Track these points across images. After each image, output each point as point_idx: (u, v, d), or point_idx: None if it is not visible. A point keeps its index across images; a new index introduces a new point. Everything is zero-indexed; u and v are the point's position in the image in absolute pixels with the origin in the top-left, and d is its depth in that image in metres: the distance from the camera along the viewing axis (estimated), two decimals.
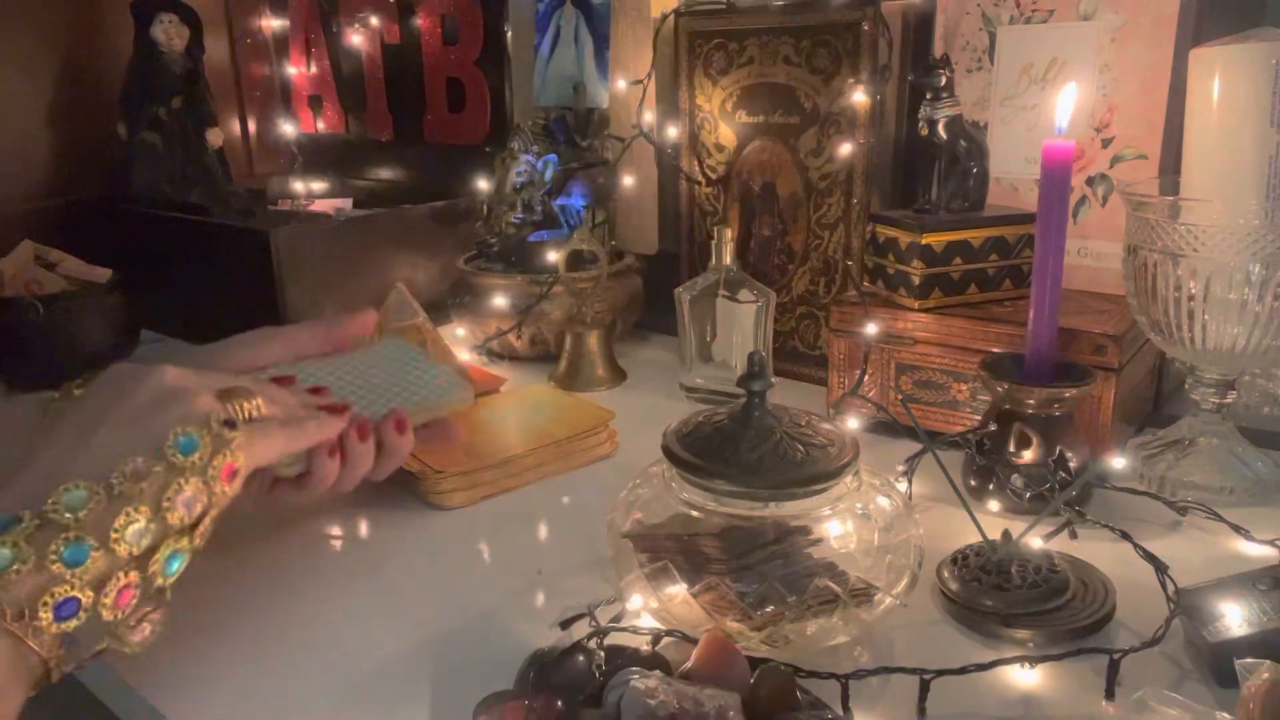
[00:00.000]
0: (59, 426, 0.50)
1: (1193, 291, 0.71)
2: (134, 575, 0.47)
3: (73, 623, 0.44)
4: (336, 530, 0.76)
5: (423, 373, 0.73)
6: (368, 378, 0.70)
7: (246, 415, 0.55)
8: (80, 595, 0.44)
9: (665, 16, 1.11)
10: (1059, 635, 0.57)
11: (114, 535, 0.45)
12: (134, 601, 0.47)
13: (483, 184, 1.19)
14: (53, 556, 0.44)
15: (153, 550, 0.48)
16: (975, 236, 0.86)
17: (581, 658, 0.50)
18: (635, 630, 0.54)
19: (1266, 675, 0.45)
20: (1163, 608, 0.57)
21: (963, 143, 0.86)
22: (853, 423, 0.87)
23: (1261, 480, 0.75)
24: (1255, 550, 0.67)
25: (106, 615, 0.45)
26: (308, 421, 0.60)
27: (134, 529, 0.46)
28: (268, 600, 0.65)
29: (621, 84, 1.20)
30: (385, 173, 1.57)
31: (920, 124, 0.87)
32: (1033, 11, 0.92)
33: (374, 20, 1.55)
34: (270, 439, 0.56)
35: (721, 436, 0.59)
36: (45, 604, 0.43)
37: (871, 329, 0.86)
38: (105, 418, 0.50)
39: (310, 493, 0.62)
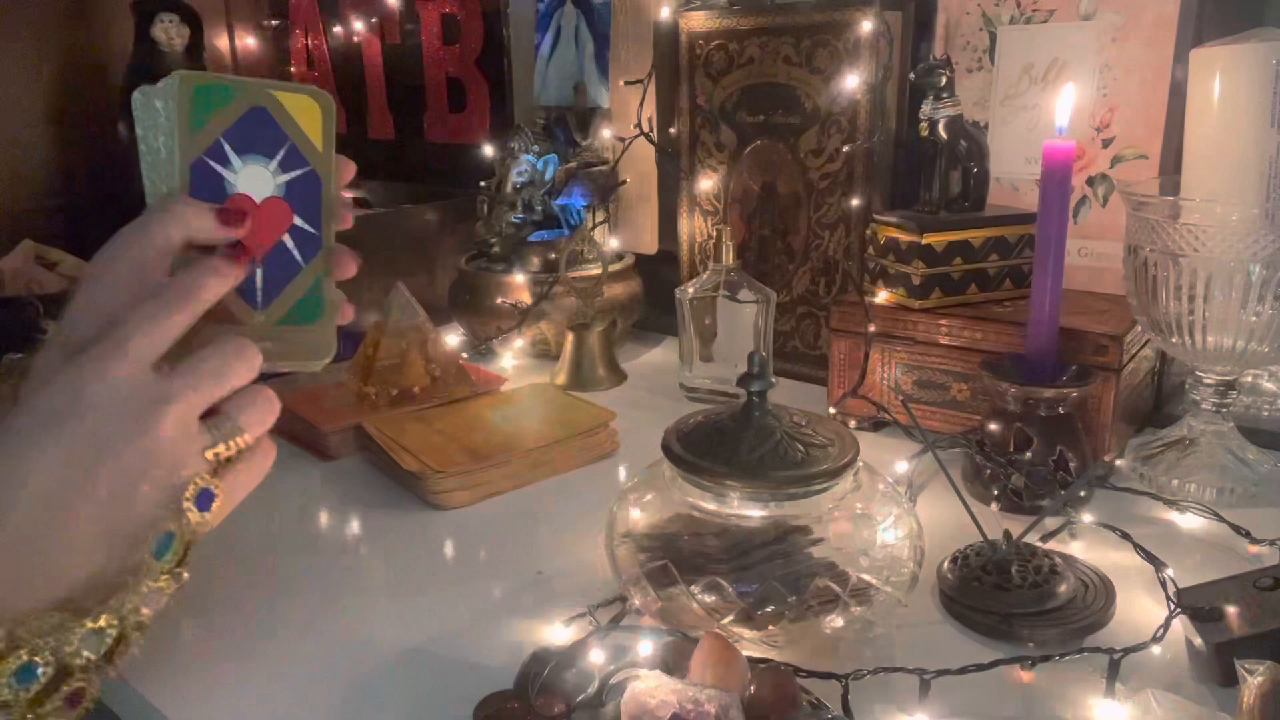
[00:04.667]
0: (12, 478, 0.45)
1: (1193, 291, 0.71)
2: (85, 677, 0.45)
3: None
4: (336, 530, 0.76)
5: None
6: None
7: (230, 450, 0.50)
8: (17, 713, 0.42)
9: (666, 16, 1.11)
10: (1059, 635, 0.57)
11: (69, 651, 0.43)
12: (87, 698, 0.45)
13: (483, 184, 1.19)
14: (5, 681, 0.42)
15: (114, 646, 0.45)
16: (975, 236, 0.86)
17: (581, 657, 0.50)
18: (635, 630, 0.54)
19: (1266, 675, 0.45)
20: (1163, 608, 0.57)
21: (963, 143, 0.86)
22: (853, 423, 0.87)
23: (1261, 480, 0.75)
24: (1255, 550, 0.67)
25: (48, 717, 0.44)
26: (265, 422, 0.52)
27: (97, 644, 0.44)
28: (268, 600, 0.65)
29: (621, 84, 1.20)
30: (385, 173, 1.57)
31: (920, 124, 0.87)
32: (1033, 11, 0.92)
33: (374, 20, 1.55)
34: (252, 471, 0.51)
35: (722, 436, 0.59)
36: None
37: (871, 329, 0.86)
38: (73, 505, 0.45)
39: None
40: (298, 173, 0.54)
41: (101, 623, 0.44)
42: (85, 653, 0.44)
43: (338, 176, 0.55)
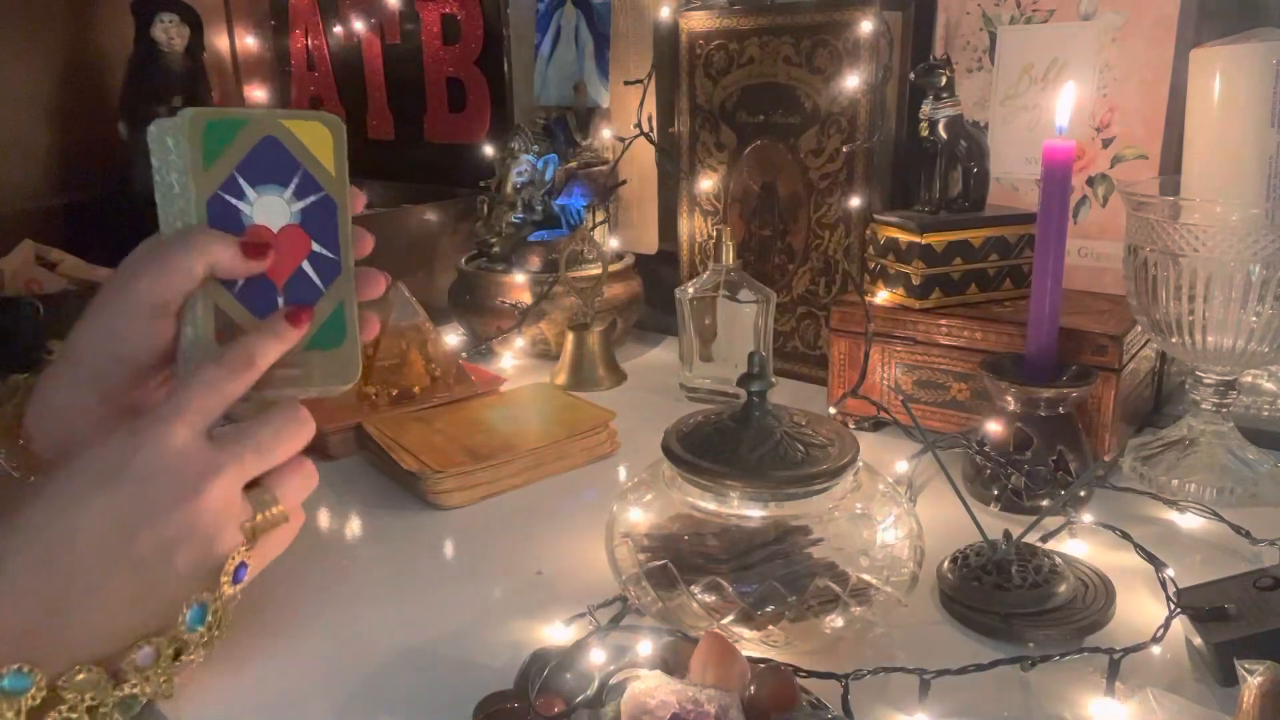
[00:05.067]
0: (58, 540, 0.46)
1: (1193, 291, 0.71)
2: None
3: None
4: (336, 530, 0.76)
5: None
6: None
7: (266, 523, 0.51)
8: None
9: (666, 16, 1.11)
10: (1059, 635, 0.57)
11: (103, 712, 0.45)
12: None
13: (483, 184, 1.19)
14: None
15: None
16: (975, 236, 0.86)
17: (581, 657, 0.50)
18: (635, 630, 0.54)
19: (1266, 675, 0.45)
20: (1163, 608, 0.57)
21: (963, 143, 0.86)
22: (852, 423, 0.87)
23: (1261, 480, 0.75)
24: (1255, 550, 0.67)
25: None
26: (299, 483, 0.54)
27: (128, 707, 0.46)
28: (267, 600, 0.65)
29: (622, 84, 1.20)
30: (385, 173, 1.57)
31: (920, 124, 0.87)
32: (1033, 11, 0.92)
33: (374, 20, 1.55)
34: (281, 539, 0.53)
35: (722, 436, 0.59)
36: None
37: (871, 329, 0.86)
38: (112, 566, 0.46)
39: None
40: (312, 199, 0.54)
41: (135, 690, 0.46)
42: (117, 716, 0.45)
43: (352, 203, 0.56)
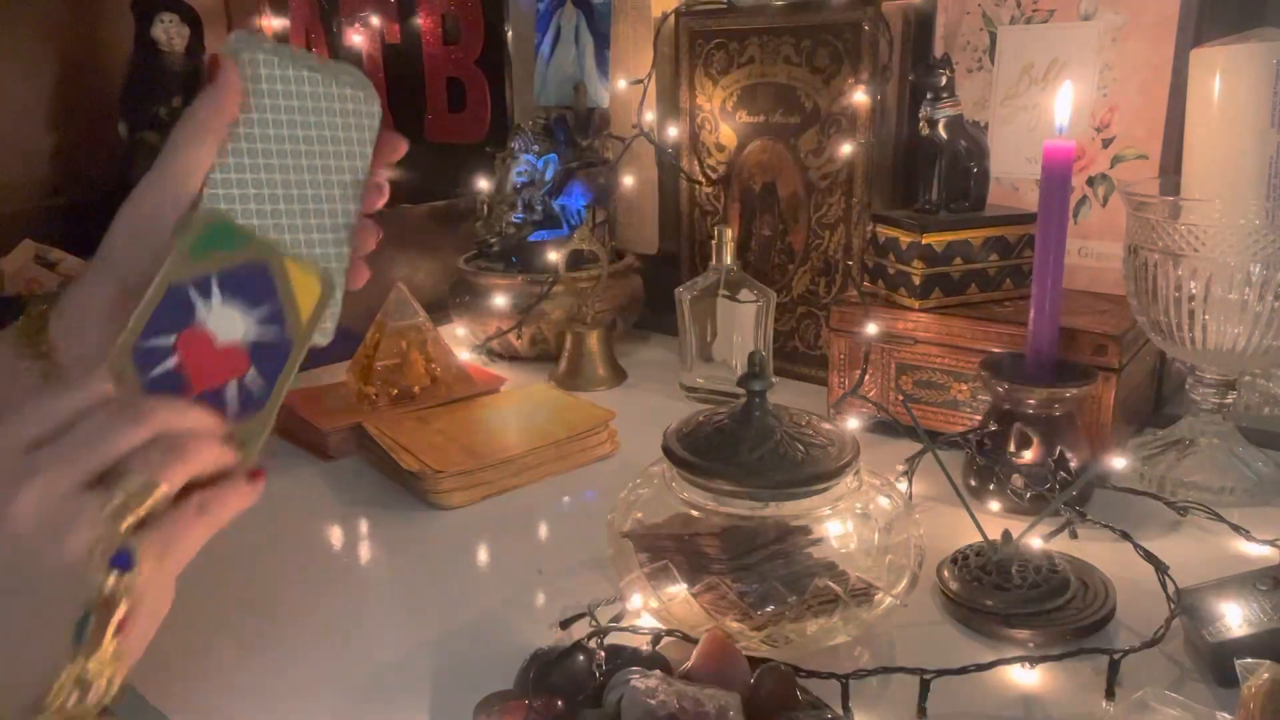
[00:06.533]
0: None
1: (1193, 291, 0.71)
2: None
3: None
4: (336, 530, 0.76)
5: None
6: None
7: (136, 500, 0.43)
8: None
9: (666, 16, 1.11)
10: (1059, 635, 0.57)
11: None
12: None
13: (483, 184, 1.19)
14: None
15: None
16: (975, 236, 0.86)
17: (581, 658, 0.50)
18: (635, 630, 0.54)
19: (1266, 675, 0.45)
20: (1163, 608, 0.57)
21: (963, 143, 0.86)
22: (853, 423, 0.87)
23: (1261, 480, 0.75)
24: (1255, 550, 0.67)
25: None
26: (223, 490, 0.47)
27: None
28: (267, 600, 0.65)
29: (621, 84, 1.20)
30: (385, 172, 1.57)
31: (920, 124, 0.87)
32: (1033, 11, 0.92)
33: (374, 20, 1.55)
34: (190, 533, 0.45)
35: (722, 436, 0.59)
36: None
37: (871, 329, 0.86)
38: None
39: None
40: (271, 336, 0.52)
41: None
42: None
43: (361, 243, 0.56)
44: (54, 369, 0.51)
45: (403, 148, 0.56)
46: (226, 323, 0.51)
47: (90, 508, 0.42)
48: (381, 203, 0.57)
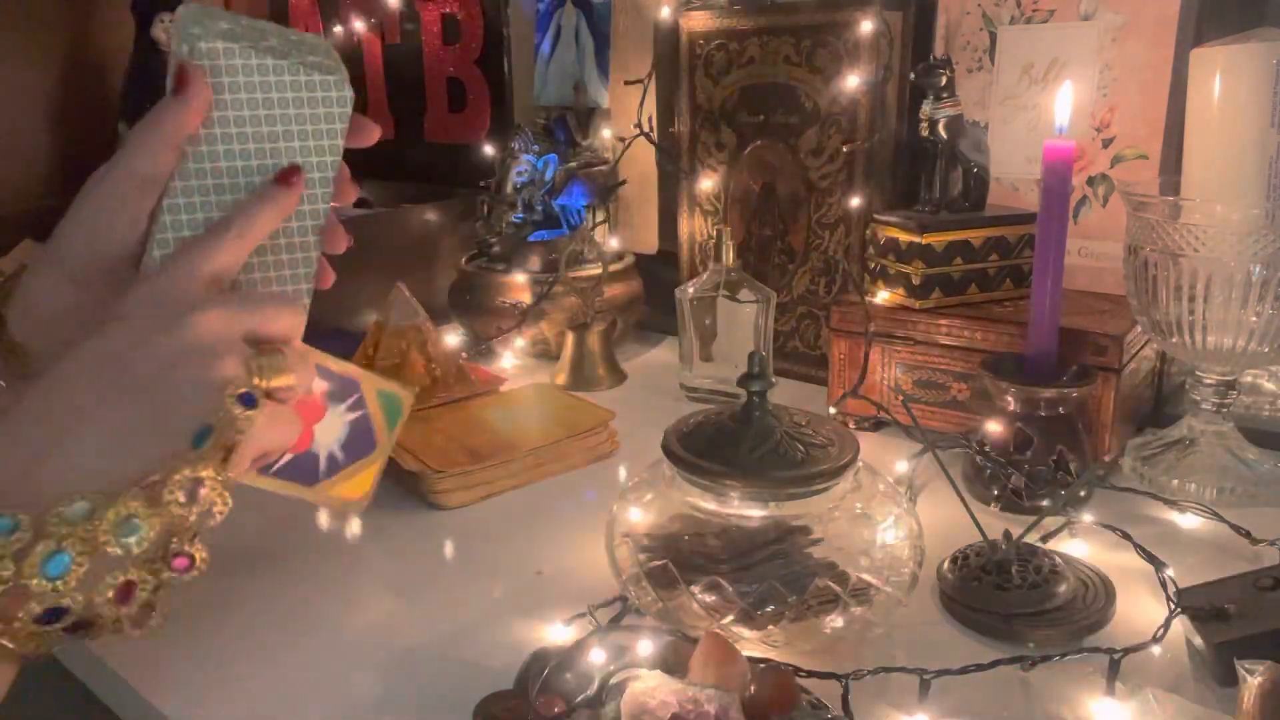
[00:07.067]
0: (52, 386, 0.45)
1: (1193, 291, 0.71)
2: (135, 572, 0.44)
3: (58, 625, 0.42)
4: (336, 530, 0.76)
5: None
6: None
7: (270, 390, 0.48)
8: (68, 601, 0.42)
9: (666, 16, 1.11)
10: (1059, 635, 0.57)
11: (103, 539, 0.43)
12: (140, 595, 0.44)
13: (483, 184, 1.19)
14: (29, 571, 0.41)
15: (160, 544, 0.45)
16: (975, 236, 0.86)
17: (581, 658, 0.50)
18: (635, 630, 0.54)
19: (1266, 675, 0.45)
20: (1163, 608, 0.57)
21: (963, 142, 0.86)
22: (852, 423, 0.87)
23: (1261, 480, 0.75)
24: (1255, 550, 0.67)
25: (105, 612, 0.43)
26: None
27: (129, 529, 0.43)
28: (268, 600, 0.65)
29: (622, 84, 1.20)
30: (385, 173, 1.57)
31: (921, 124, 0.87)
32: (1033, 11, 0.92)
33: (374, 20, 1.55)
34: (287, 427, 0.50)
35: (722, 436, 0.59)
36: (23, 615, 0.41)
37: (871, 329, 0.86)
38: (112, 390, 0.45)
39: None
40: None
41: (132, 508, 0.43)
42: (124, 539, 0.43)
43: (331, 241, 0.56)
44: (18, 356, 0.52)
45: (376, 133, 0.55)
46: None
47: (240, 351, 0.47)
48: (353, 198, 0.57)
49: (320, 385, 0.57)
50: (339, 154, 0.53)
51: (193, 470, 0.45)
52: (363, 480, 0.63)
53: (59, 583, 0.42)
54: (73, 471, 0.44)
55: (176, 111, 0.49)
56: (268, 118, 0.50)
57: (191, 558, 0.46)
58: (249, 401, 0.46)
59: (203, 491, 0.45)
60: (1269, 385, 0.87)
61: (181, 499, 0.44)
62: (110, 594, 0.43)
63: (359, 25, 1.57)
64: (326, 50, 0.52)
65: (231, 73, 0.49)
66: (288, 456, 0.58)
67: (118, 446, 0.45)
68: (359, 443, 0.62)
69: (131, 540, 0.43)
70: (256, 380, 0.47)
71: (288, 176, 0.51)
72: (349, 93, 0.52)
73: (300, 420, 0.52)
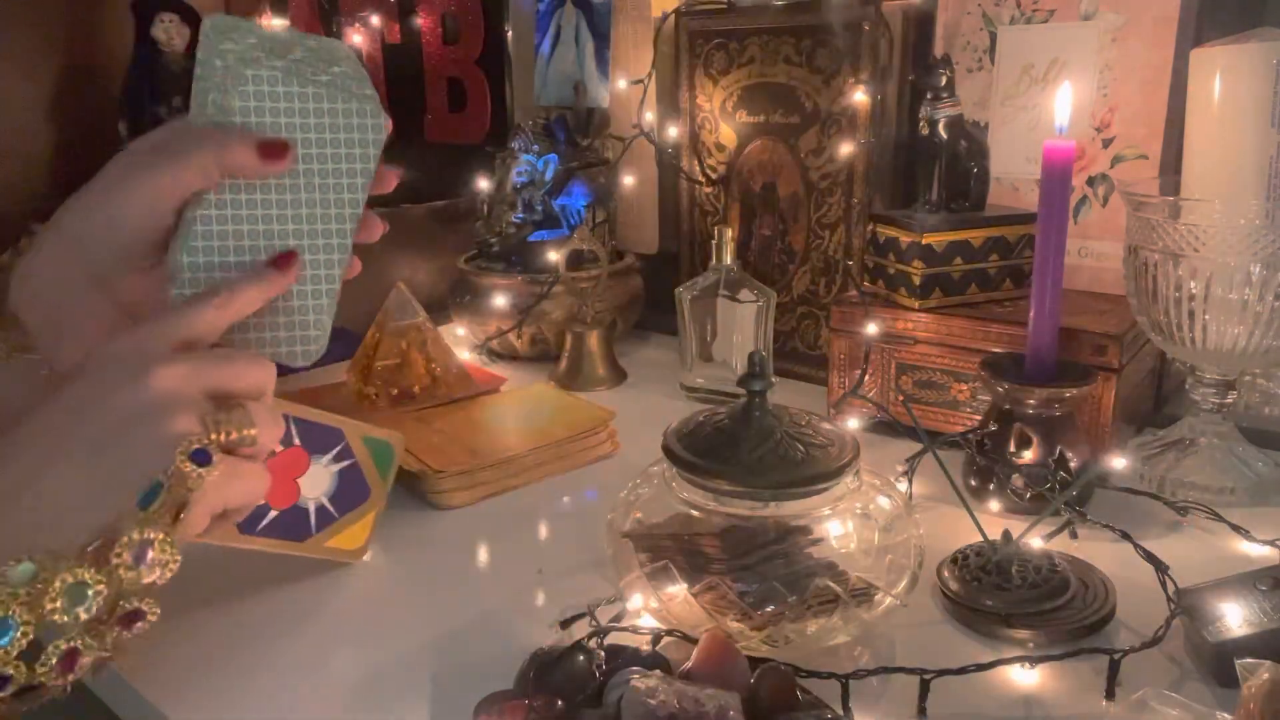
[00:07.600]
0: (17, 441, 0.45)
1: (1193, 291, 0.71)
2: (80, 639, 0.42)
3: (5, 692, 0.41)
4: None
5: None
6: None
7: (229, 446, 0.47)
8: (10, 670, 0.41)
9: (666, 16, 1.11)
10: (1059, 635, 0.57)
11: (50, 607, 0.41)
12: (86, 662, 0.43)
13: (483, 184, 1.19)
14: None
15: (108, 608, 0.43)
16: (975, 236, 0.86)
17: (581, 658, 0.50)
18: (635, 630, 0.54)
19: (1266, 675, 0.45)
20: (1163, 608, 0.57)
21: (963, 143, 0.86)
22: (853, 423, 0.87)
23: (1261, 480, 0.75)
24: (1255, 550, 0.67)
25: (47, 680, 0.42)
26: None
27: (78, 597, 0.42)
28: (267, 600, 0.65)
29: (621, 84, 1.20)
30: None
31: (921, 124, 0.87)
32: (1033, 11, 0.92)
33: (374, 20, 1.55)
34: (252, 482, 0.49)
35: (722, 436, 0.59)
36: None
37: (871, 329, 0.86)
38: (64, 447, 0.44)
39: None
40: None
41: (80, 574, 0.42)
42: (73, 609, 0.42)
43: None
44: (19, 338, 0.53)
45: (394, 181, 0.57)
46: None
47: (199, 408, 0.47)
48: (378, 235, 0.58)
49: (296, 438, 0.57)
50: (370, 178, 0.54)
51: (139, 532, 0.43)
52: (359, 530, 0.66)
53: (1, 652, 0.40)
54: (23, 529, 0.43)
55: (247, 160, 0.49)
56: (303, 140, 0.51)
57: (142, 614, 0.45)
58: (201, 458, 0.45)
59: (151, 554, 0.44)
60: (1269, 385, 0.87)
61: (129, 561, 0.43)
62: (54, 661, 0.42)
63: (359, 25, 1.57)
64: (360, 80, 0.53)
65: (274, 99, 0.50)
66: (273, 514, 0.60)
67: (70, 504, 0.44)
68: (351, 493, 0.65)
69: (80, 609, 0.42)
70: (213, 435, 0.46)
71: (285, 261, 0.51)
72: (384, 120, 0.53)
73: (267, 475, 0.51)
